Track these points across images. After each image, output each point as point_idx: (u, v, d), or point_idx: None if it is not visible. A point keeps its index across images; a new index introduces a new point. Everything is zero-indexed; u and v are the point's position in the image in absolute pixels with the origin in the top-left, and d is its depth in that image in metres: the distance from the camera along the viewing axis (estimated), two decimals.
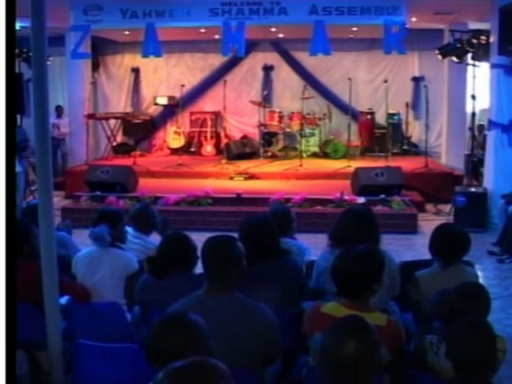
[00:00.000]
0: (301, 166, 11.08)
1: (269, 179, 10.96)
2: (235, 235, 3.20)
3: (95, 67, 13.63)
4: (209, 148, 13.43)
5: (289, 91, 13.69)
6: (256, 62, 13.81)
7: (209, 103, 14.02)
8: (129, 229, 4.78)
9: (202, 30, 11.33)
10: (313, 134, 12.79)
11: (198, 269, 3.46)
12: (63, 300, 3.80)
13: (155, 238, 4.94)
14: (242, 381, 2.32)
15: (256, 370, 2.79)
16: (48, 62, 3.10)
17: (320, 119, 12.84)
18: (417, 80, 13.46)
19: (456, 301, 2.91)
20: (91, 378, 3.09)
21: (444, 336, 2.84)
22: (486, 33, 9.48)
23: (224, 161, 11.96)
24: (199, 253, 3.39)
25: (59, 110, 12.81)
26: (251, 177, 10.93)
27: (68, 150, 13.10)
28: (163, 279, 3.67)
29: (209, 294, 2.88)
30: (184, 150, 13.22)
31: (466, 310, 2.80)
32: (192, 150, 13.46)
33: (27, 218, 4.24)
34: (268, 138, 12.79)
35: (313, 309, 3.03)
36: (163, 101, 13.73)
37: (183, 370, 1.68)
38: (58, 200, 10.25)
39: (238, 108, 13.79)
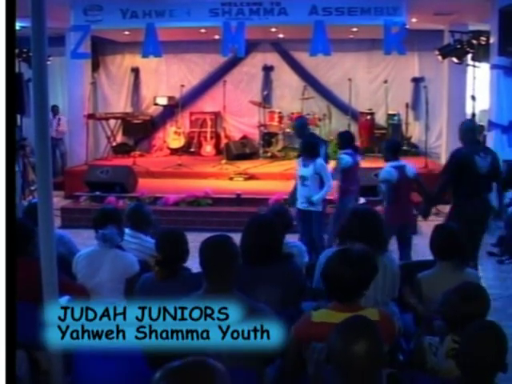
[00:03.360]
0: None
1: (268, 179, 10.95)
2: (234, 235, 3.20)
3: (95, 67, 13.63)
4: (208, 148, 13.43)
5: (289, 92, 13.69)
6: (256, 62, 13.80)
7: (209, 103, 14.02)
8: (125, 229, 4.76)
9: (202, 30, 11.33)
10: None
11: (196, 268, 3.44)
12: (63, 300, 3.80)
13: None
14: (242, 381, 2.33)
15: (256, 370, 2.79)
16: (48, 62, 3.10)
17: (320, 120, 12.83)
18: (417, 81, 13.46)
19: (456, 301, 2.91)
20: (91, 379, 3.09)
21: (445, 336, 2.84)
22: (486, 34, 9.49)
23: (224, 161, 11.97)
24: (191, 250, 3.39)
25: (55, 110, 12.78)
26: (251, 177, 10.94)
27: (66, 150, 13.11)
28: (166, 281, 3.66)
29: (208, 293, 2.87)
30: (184, 150, 13.23)
31: (467, 310, 2.81)
32: (192, 150, 13.46)
33: (29, 217, 4.24)
34: (268, 138, 12.80)
35: (303, 322, 2.99)
36: (163, 101, 13.73)
37: (180, 370, 1.68)
38: (58, 200, 10.25)
39: (238, 108, 13.78)
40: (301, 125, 7.73)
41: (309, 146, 6.93)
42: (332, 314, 2.89)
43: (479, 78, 10.03)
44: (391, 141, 7.31)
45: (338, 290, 2.94)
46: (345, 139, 7.49)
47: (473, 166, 5.74)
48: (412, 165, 6.79)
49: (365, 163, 11.41)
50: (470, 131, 6.12)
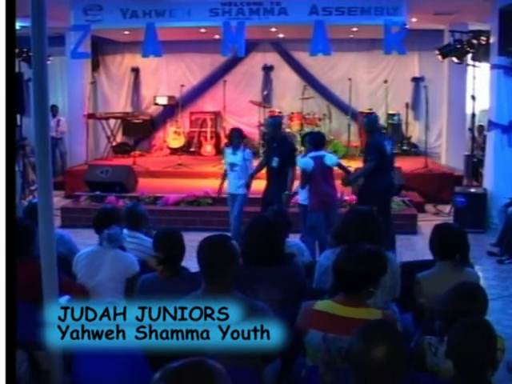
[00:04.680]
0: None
1: None
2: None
3: (95, 67, 13.64)
4: (209, 148, 13.44)
5: (289, 91, 13.69)
6: (256, 62, 13.81)
7: (209, 103, 14.03)
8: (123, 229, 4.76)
9: (202, 30, 11.33)
10: None
11: (195, 268, 3.44)
12: (63, 300, 3.80)
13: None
14: (241, 381, 2.32)
15: (256, 370, 2.79)
16: (48, 62, 3.10)
17: (320, 119, 12.81)
18: (417, 80, 13.46)
19: (454, 300, 2.91)
20: (91, 379, 3.09)
21: (444, 336, 2.84)
22: (486, 33, 9.49)
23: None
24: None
25: (54, 110, 12.77)
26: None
27: (66, 150, 13.10)
28: (171, 279, 3.66)
29: (207, 293, 2.87)
30: (184, 149, 13.23)
31: (465, 309, 2.81)
32: (192, 149, 13.47)
33: (29, 217, 4.24)
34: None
35: (306, 308, 3.05)
36: (163, 101, 13.73)
37: (179, 371, 1.67)
38: (58, 200, 10.26)
39: (238, 108, 13.78)
40: (277, 124, 7.73)
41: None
42: (334, 306, 2.91)
43: (479, 78, 10.02)
44: (313, 134, 7.69)
45: (344, 283, 2.96)
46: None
47: (384, 150, 7.02)
48: (332, 154, 7.72)
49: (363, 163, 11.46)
50: (377, 122, 7.61)
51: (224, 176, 7.87)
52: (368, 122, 7.54)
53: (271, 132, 7.62)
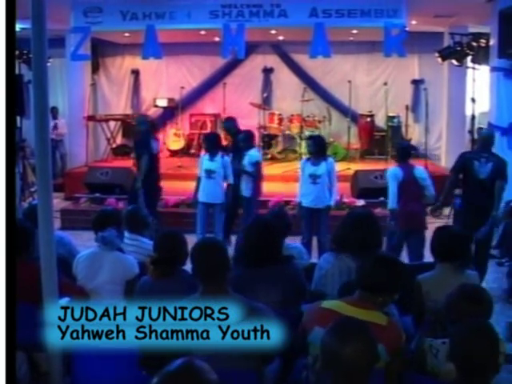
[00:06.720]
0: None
1: (268, 181, 10.91)
2: (235, 237, 3.21)
3: (95, 69, 13.63)
4: None
5: (289, 93, 13.68)
6: (256, 64, 13.80)
7: (209, 105, 14.03)
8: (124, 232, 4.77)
9: (202, 32, 11.34)
10: None
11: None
12: (63, 302, 3.80)
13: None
14: (241, 381, 2.33)
15: (256, 370, 2.79)
16: (48, 64, 3.10)
17: (320, 122, 12.82)
18: (417, 83, 13.47)
19: (459, 303, 2.90)
20: (90, 380, 3.08)
21: (446, 338, 2.84)
22: (486, 36, 9.49)
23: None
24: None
25: (54, 111, 12.76)
26: None
27: (66, 152, 13.10)
28: (162, 280, 3.67)
29: (205, 295, 2.87)
30: (184, 152, 13.23)
31: (470, 312, 2.80)
32: (192, 151, 13.45)
33: (29, 219, 4.24)
34: (268, 140, 12.80)
35: (313, 306, 3.08)
36: (163, 103, 13.73)
37: (174, 374, 1.76)
38: (58, 202, 10.25)
39: (238, 110, 13.71)
40: (142, 122, 8.84)
41: (322, 144, 7.04)
42: (341, 305, 2.93)
43: (479, 80, 10.03)
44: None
45: (365, 285, 3.00)
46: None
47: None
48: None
49: (364, 165, 11.48)
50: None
51: (198, 182, 7.90)
52: (228, 126, 8.85)
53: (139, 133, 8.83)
